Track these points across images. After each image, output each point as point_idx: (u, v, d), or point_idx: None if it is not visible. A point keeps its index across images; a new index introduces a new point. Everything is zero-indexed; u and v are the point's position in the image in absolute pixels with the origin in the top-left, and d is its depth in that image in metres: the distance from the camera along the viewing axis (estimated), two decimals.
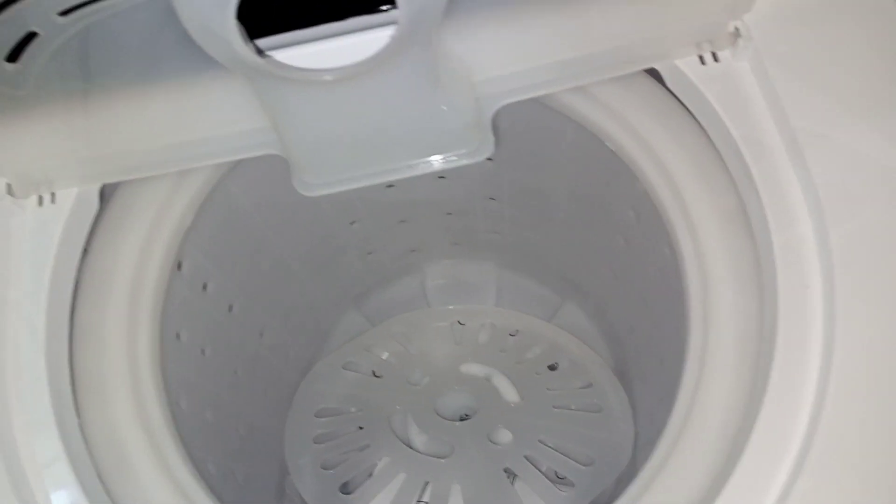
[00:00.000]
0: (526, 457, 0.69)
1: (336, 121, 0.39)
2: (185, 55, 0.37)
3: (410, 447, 0.71)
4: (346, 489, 0.69)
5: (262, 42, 0.36)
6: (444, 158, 0.44)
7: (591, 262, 0.71)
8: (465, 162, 0.45)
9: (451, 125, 0.42)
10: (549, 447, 0.70)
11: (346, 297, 0.85)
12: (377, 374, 0.79)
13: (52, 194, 0.44)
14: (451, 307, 0.88)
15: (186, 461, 0.44)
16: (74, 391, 0.43)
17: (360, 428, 0.73)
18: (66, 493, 0.39)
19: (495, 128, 0.48)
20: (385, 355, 0.82)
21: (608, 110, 0.49)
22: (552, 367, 0.81)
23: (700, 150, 0.46)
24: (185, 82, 0.40)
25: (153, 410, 0.45)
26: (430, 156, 0.44)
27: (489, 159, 0.64)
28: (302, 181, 0.43)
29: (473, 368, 0.80)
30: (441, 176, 0.69)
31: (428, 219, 0.78)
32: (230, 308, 0.64)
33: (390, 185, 0.70)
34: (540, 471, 0.68)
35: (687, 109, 0.47)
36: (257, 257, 0.66)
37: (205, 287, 0.59)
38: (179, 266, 0.53)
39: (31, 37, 0.35)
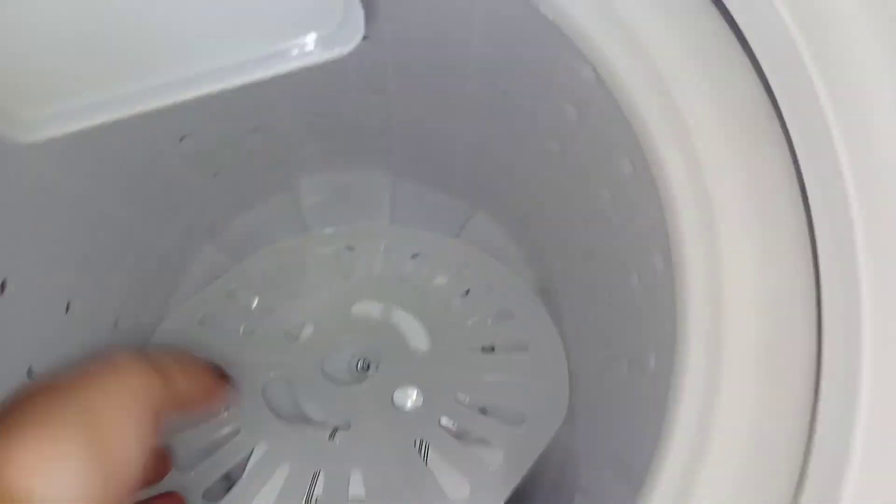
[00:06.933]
0: (440, 422, 0.55)
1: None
2: None
3: (292, 425, 0.55)
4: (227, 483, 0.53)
5: None
6: (277, 54, 0.25)
7: (509, 169, 0.55)
8: (319, 58, 0.26)
9: None
10: (467, 406, 0.56)
11: (195, 231, 0.65)
12: (245, 330, 0.62)
13: None
14: (334, 229, 0.70)
15: None
16: None
17: (227, 407, 0.56)
18: None
19: None
20: (254, 302, 0.64)
21: None
22: (464, 295, 0.66)
23: (697, 20, 0.29)
24: None
25: None
26: (253, 51, 0.25)
27: (364, 37, 0.46)
28: (10, 119, 0.24)
29: (368, 308, 0.65)
30: None
31: (290, 122, 0.58)
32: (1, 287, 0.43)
33: None
34: (458, 440, 0.54)
35: None
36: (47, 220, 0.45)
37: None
38: None
39: None
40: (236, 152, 0.59)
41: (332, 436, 0.55)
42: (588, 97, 0.37)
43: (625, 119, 0.33)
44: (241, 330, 0.62)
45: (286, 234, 0.69)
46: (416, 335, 0.63)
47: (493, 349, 0.60)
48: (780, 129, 0.29)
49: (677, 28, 0.30)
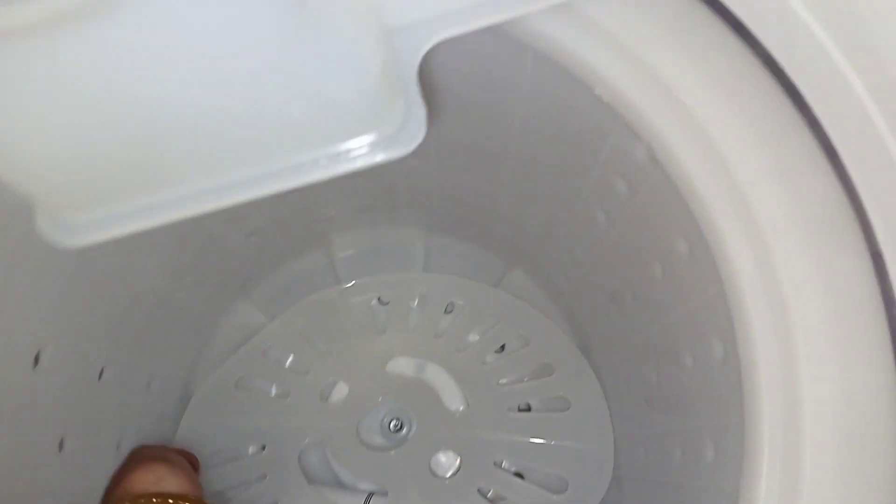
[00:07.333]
0: (479, 490, 0.54)
1: (101, 103, 0.19)
2: None
3: (328, 493, 0.54)
4: None
5: None
6: (335, 156, 0.25)
7: (549, 233, 0.54)
8: (379, 159, 0.26)
9: (341, 93, 0.22)
10: (508, 471, 0.55)
11: (228, 289, 0.65)
12: (279, 392, 0.61)
13: None
14: (366, 280, 0.69)
15: None
16: None
17: (264, 477, 0.55)
18: None
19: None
20: (289, 360, 0.63)
21: (598, 33, 0.30)
22: (501, 349, 0.65)
23: (762, 101, 0.28)
24: None
25: None
26: (310, 154, 0.25)
27: None
28: (58, 224, 0.23)
29: (403, 365, 0.63)
30: None
31: (326, 184, 0.57)
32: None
33: None
34: None
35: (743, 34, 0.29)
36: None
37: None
38: None
39: None
40: (271, 211, 0.58)
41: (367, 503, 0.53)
42: (640, 173, 0.36)
43: (681, 199, 0.32)
44: (276, 392, 0.61)
45: (319, 287, 0.69)
46: (451, 393, 0.61)
47: (529, 408, 0.59)
48: (854, 217, 0.27)
49: (741, 110, 0.29)
